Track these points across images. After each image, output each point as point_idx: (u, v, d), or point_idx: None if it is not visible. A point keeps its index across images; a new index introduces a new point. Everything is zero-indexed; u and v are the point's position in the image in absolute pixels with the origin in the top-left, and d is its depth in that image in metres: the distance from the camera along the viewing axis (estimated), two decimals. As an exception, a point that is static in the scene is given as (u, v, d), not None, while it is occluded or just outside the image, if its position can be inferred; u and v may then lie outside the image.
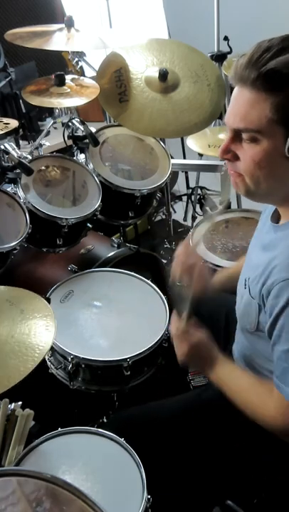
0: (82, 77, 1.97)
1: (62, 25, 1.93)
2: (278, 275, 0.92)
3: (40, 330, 1.12)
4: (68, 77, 1.90)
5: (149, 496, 1.00)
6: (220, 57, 2.48)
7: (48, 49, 1.83)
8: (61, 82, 1.85)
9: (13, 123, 1.77)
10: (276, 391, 0.96)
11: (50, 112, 2.93)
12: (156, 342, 1.40)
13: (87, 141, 1.82)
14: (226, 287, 1.35)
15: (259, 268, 0.99)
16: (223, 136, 2.14)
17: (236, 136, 0.92)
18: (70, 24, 1.92)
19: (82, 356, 1.35)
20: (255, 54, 0.85)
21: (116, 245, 1.84)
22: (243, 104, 0.88)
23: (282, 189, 0.96)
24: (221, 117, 2.67)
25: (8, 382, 0.97)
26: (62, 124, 2.07)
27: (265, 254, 1.00)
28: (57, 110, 2.61)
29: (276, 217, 1.04)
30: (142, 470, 1.03)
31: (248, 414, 1.02)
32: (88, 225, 1.76)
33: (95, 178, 1.80)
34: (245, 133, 0.90)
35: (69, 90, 1.85)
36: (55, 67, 2.33)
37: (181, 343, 1.13)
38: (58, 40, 1.88)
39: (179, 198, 3.34)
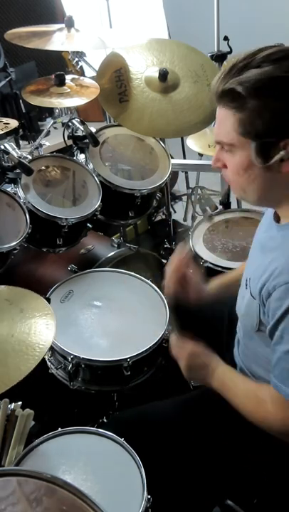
0: (82, 77, 1.97)
1: (63, 25, 1.93)
2: (280, 278, 0.92)
3: (40, 329, 1.12)
4: (68, 77, 1.90)
5: (149, 496, 1.00)
6: (220, 57, 2.47)
7: (47, 49, 1.83)
8: (61, 82, 1.84)
9: (13, 123, 1.77)
10: (274, 391, 0.96)
11: (50, 111, 2.92)
12: (156, 342, 1.40)
13: (87, 141, 1.82)
14: (223, 294, 1.36)
15: (260, 268, 1.00)
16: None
17: (222, 147, 0.99)
18: (70, 24, 1.92)
19: (82, 356, 1.35)
20: (224, 72, 0.91)
21: (116, 245, 1.84)
22: (218, 119, 0.96)
23: (270, 195, 0.99)
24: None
25: (8, 381, 0.96)
26: (62, 124, 2.07)
27: (266, 255, 1.01)
28: (57, 110, 2.61)
29: (277, 217, 1.05)
30: (142, 470, 1.03)
31: (247, 417, 1.02)
32: (88, 225, 1.76)
33: (95, 178, 1.80)
34: (224, 145, 0.97)
35: (69, 90, 1.85)
36: (55, 67, 2.34)
37: (179, 360, 1.16)
38: (57, 40, 1.88)
39: (179, 198, 3.34)
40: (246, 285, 1.07)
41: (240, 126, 0.91)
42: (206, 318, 1.45)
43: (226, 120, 0.93)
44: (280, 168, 0.92)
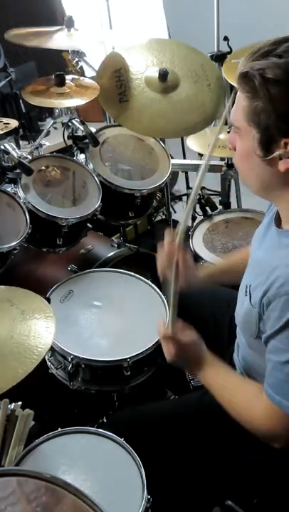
0: (82, 77, 1.97)
1: (63, 26, 1.93)
2: (281, 288, 0.90)
3: (39, 332, 1.12)
4: (68, 77, 1.90)
5: (149, 496, 1.00)
6: (220, 57, 2.47)
7: (47, 47, 1.82)
8: (61, 82, 1.84)
9: (13, 123, 1.77)
10: (265, 397, 0.95)
11: (50, 112, 2.93)
12: (156, 342, 1.39)
13: (87, 141, 1.82)
14: (216, 280, 1.37)
15: (261, 276, 0.98)
16: (223, 137, 2.14)
17: (234, 128, 0.98)
18: (70, 24, 1.92)
19: (82, 356, 1.35)
20: (250, 52, 0.89)
21: (116, 245, 1.84)
22: (236, 100, 0.94)
23: (269, 189, 0.98)
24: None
25: (5, 383, 0.96)
26: (62, 124, 2.07)
27: (268, 262, 0.99)
28: (57, 110, 2.60)
29: (278, 220, 1.03)
30: (142, 470, 1.03)
31: (233, 415, 1.02)
32: (88, 225, 1.76)
33: (95, 178, 1.80)
34: (234, 127, 0.96)
35: (69, 90, 1.85)
36: (55, 67, 2.33)
37: (168, 345, 1.12)
38: (57, 38, 1.87)
39: (179, 198, 3.34)
40: (246, 292, 1.05)
41: (248, 113, 0.90)
42: (207, 319, 1.45)
43: (239, 102, 0.92)
44: (277, 165, 0.91)
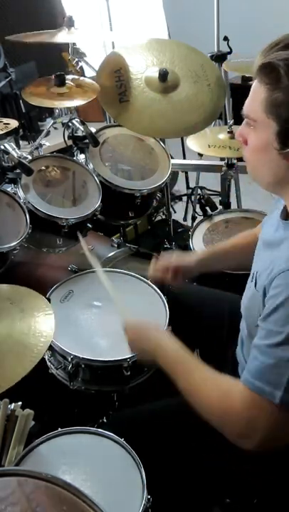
0: (82, 77, 1.97)
1: (63, 27, 1.93)
2: (279, 267, 0.91)
3: (39, 330, 1.11)
4: (68, 77, 1.90)
5: (149, 496, 1.00)
6: (220, 58, 2.48)
7: (47, 41, 1.81)
8: (61, 82, 1.84)
9: (13, 123, 1.77)
10: (242, 387, 0.92)
11: (50, 112, 2.93)
12: (156, 342, 1.40)
13: (87, 141, 1.82)
14: (209, 265, 1.43)
15: (266, 264, 0.99)
16: (223, 136, 2.14)
17: (247, 122, 0.97)
18: (70, 25, 1.92)
19: (82, 356, 1.35)
20: (268, 45, 0.89)
21: (116, 245, 1.84)
22: (251, 92, 0.94)
23: (282, 183, 0.97)
24: (220, 117, 2.67)
25: (5, 383, 0.96)
26: (63, 124, 2.07)
27: (273, 251, 1.00)
28: (57, 110, 2.61)
29: (285, 214, 1.04)
30: (142, 470, 1.03)
31: (204, 411, 0.99)
32: (88, 225, 1.76)
33: (95, 178, 1.80)
34: (248, 119, 0.95)
35: (69, 90, 1.85)
36: (55, 67, 2.33)
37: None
38: (57, 35, 1.87)
39: (179, 198, 3.34)
40: (253, 278, 1.06)
41: (268, 105, 0.89)
42: (206, 317, 1.45)
43: (257, 94, 0.91)
44: None
